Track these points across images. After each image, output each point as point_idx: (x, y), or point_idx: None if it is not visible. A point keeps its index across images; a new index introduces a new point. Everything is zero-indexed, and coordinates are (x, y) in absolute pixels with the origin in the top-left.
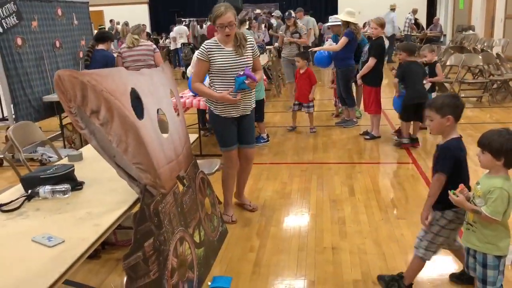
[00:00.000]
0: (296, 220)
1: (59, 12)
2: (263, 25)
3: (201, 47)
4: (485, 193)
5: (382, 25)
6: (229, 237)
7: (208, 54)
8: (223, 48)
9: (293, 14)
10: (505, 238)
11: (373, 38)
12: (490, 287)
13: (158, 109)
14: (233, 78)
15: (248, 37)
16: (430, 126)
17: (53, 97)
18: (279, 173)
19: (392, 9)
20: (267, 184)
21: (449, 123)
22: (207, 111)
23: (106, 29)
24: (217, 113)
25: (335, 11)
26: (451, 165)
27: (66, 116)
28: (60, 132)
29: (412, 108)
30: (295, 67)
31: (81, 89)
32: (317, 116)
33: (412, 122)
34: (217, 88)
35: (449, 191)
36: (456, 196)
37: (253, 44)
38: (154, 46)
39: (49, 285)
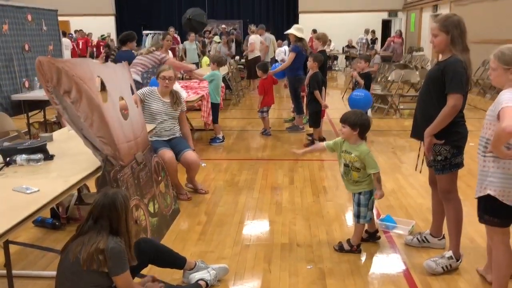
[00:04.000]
0: (241, 202)
1: (29, 17)
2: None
3: None
4: (361, 158)
5: (318, 38)
6: (180, 215)
7: None
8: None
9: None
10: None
11: (315, 52)
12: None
13: (120, 97)
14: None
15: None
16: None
17: (21, 96)
18: (230, 167)
19: None
20: (218, 175)
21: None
22: None
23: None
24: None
25: None
26: None
27: (33, 115)
28: (26, 130)
29: (319, 115)
30: None
31: (57, 73)
32: (271, 122)
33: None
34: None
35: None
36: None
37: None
38: (135, 55)
39: (29, 214)
